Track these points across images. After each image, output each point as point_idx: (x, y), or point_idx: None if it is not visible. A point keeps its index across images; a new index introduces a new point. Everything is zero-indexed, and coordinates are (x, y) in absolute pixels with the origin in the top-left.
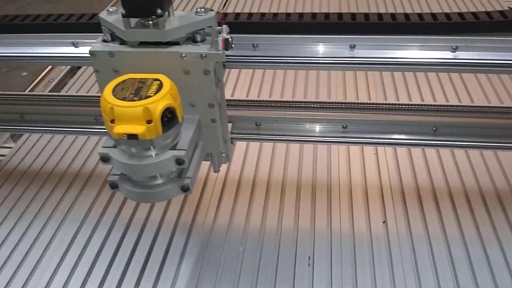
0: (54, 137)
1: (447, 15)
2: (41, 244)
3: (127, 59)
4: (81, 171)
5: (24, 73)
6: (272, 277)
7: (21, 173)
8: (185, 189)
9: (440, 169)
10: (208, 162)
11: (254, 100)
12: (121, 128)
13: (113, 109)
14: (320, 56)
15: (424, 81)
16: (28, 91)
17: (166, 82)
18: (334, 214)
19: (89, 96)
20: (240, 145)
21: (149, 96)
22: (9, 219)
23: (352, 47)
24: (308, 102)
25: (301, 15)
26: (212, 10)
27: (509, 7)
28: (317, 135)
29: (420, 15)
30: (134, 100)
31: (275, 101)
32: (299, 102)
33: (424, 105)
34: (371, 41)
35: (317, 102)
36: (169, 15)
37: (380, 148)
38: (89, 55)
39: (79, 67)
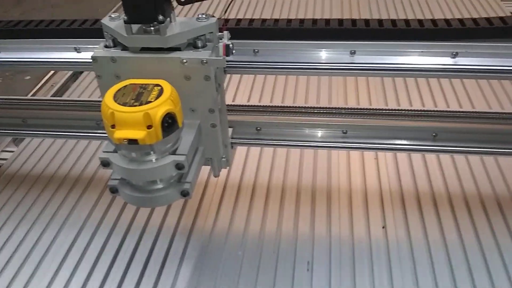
0: (55, 141)
1: (447, 21)
2: (41, 248)
3: (128, 65)
4: (81, 175)
5: (28, 77)
6: (271, 282)
7: (22, 177)
8: (185, 194)
9: (440, 174)
10: (208, 167)
11: (254, 105)
12: (121, 133)
13: (114, 114)
14: (321, 62)
15: (425, 86)
16: (31, 96)
17: (167, 87)
18: (334, 219)
19: (91, 101)
20: (240, 150)
21: (150, 102)
22: (10, 222)
23: (353, 53)
24: (308, 107)
25: (301, 21)
26: (214, 16)
27: (511, 13)
28: (318, 140)
29: (420, 21)
30: (135, 106)
31: (275, 106)
32: (299, 107)
33: (425, 110)
34: (372, 47)
35: (317, 108)
36: (170, 21)
37: (380, 154)
38: (91, 60)
39: (82, 72)
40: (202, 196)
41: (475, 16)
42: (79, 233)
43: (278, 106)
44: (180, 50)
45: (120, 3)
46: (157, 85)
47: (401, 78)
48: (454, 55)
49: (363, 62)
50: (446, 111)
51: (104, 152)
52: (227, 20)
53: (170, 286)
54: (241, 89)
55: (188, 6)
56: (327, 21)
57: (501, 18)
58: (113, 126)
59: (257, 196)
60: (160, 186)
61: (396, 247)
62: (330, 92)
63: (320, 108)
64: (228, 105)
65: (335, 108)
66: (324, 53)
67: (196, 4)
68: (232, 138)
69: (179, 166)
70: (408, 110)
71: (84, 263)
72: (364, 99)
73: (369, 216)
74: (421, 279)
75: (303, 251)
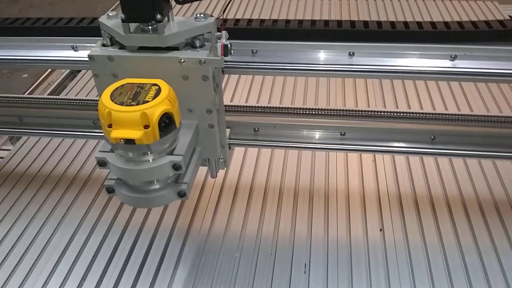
0: (52, 140)
1: (446, 23)
2: (37, 247)
3: (126, 64)
4: (78, 175)
5: (25, 75)
6: (268, 284)
7: (18, 176)
8: (182, 195)
9: (438, 177)
10: (206, 167)
11: (252, 106)
12: (118, 133)
13: (111, 113)
14: (319, 63)
15: (424, 89)
16: (28, 94)
17: (165, 87)
18: (331, 221)
19: (88, 100)
20: (238, 151)
21: (147, 101)
22: (5, 221)
23: (351, 54)
24: (306, 108)
25: (300, 22)
26: (212, 16)
27: (510, 16)
28: (316, 141)
29: (419, 24)
30: (132, 105)
31: (273, 107)
32: (297, 108)
33: (423, 113)
34: (370, 49)
35: (315, 109)
36: (168, 20)
37: (378, 156)
38: (88, 59)
39: (79, 70)
40: (199, 197)
41: (474, 19)
42: (76, 233)
43: (276, 107)
44: (178, 50)
45: (118, 1)
46: (155, 84)
47: (400, 80)
48: (453, 58)
49: (362, 63)
50: (445, 114)
51: (100, 151)
52: (225, 20)
53: (166, 287)
54: (239, 90)
55: (186, 5)
56: (326, 22)
57: (500, 22)
58: (110, 126)
59: (255, 198)
60: (157, 186)
61: (393, 249)
62: (328, 94)
63: (318, 109)
64: (226, 105)
65: (333, 109)
66: (323, 54)
67: (195, 3)
68: (229, 138)
69: (176, 167)
70: (406, 112)
71: (80, 263)
72: (363, 101)
73: (366, 218)
74: (418, 282)
75: (300, 253)
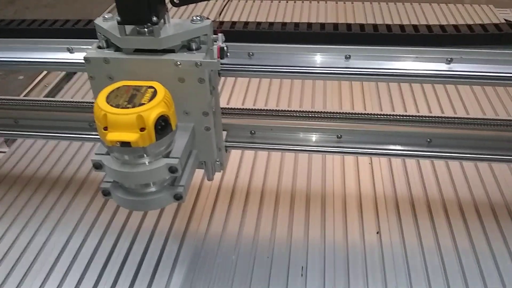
0: (48, 142)
1: (442, 27)
2: (33, 250)
3: (121, 66)
4: (74, 177)
5: (21, 77)
6: (265, 287)
7: (14, 178)
8: (178, 198)
9: (434, 180)
10: (202, 170)
11: (249, 109)
12: (114, 136)
13: (106, 116)
14: (315, 66)
15: (420, 92)
16: (23, 96)
17: (160, 89)
18: (328, 224)
19: (84, 102)
20: (234, 154)
21: (143, 104)
22: (1, 224)
23: (348, 57)
24: (303, 111)
25: (297, 24)
26: (208, 18)
27: (505, 19)
28: (312, 144)
29: (415, 27)
30: (128, 108)
31: (270, 110)
32: (294, 111)
33: (419, 116)
34: (366, 52)
35: (312, 112)
36: (164, 22)
37: (375, 159)
38: (84, 61)
39: (75, 73)
40: (196, 199)
41: (470, 22)
42: (71, 236)
43: (272, 110)
44: (174, 52)
45: (114, 3)
46: (151, 87)
47: (396, 83)
48: (449, 61)
49: (358, 66)
50: (441, 117)
51: (96, 154)
52: (221, 23)
53: None
54: (235, 92)
55: (183, 8)
56: (322, 25)
57: (495, 25)
58: (105, 128)
59: (251, 200)
60: (153, 189)
61: (390, 252)
62: (325, 96)
63: (314, 112)
64: (222, 108)
65: (330, 112)
66: (319, 57)
67: (191, 6)
68: (226, 141)
69: (172, 169)
70: (402, 115)
71: (76, 266)
72: (359, 103)
73: (363, 221)
74: (415, 284)
75: (297, 256)
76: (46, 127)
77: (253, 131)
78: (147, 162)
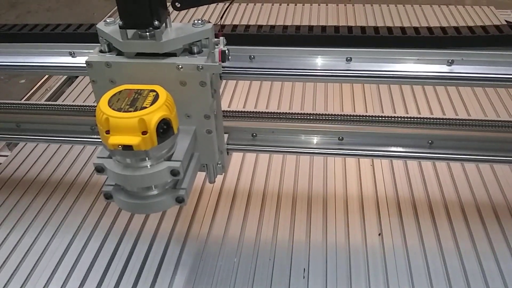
0: (49, 146)
1: (443, 29)
2: (35, 253)
3: (123, 70)
4: (76, 181)
5: (22, 81)
6: None
7: (16, 182)
8: (180, 200)
9: (436, 182)
10: (204, 173)
11: (250, 111)
12: (116, 139)
13: (109, 119)
14: (317, 68)
15: (421, 94)
16: (25, 100)
17: (162, 93)
18: (330, 226)
19: (85, 106)
20: (236, 156)
21: (145, 107)
22: (3, 228)
23: (349, 60)
24: (304, 113)
25: (298, 27)
26: (209, 22)
27: (506, 21)
28: (314, 146)
29: (416, 29)
30: (130, 111)
31: (271, 112)
32: (295, 113)
33: (421, 118)
34: (367, 54)
35: (313, 114)
36: (166, 26)
37: (376, 160)
38: (86, 65)
39: (77, 76)
40: (197, 202)
41: (471, 24)
42: (73, 239)
43: (274, 112)
44: (176, 56)
45: (116, 7)
46: (152, 90)
47: (397, 85)
48: (450, 63)
49: (359, 69)
50: (442, 119)
51: (98, 157)
52: (223, 26)
53: None
54: (236, 95)
55: (184, 11)
56: (323, 28)
57: (496, 27)
58: (107, 132)
59: (253, 203)
60: (155, 192)
61: (392, 254)
62: (326, 99)
63: (316, 114)
64: (223, 111)
65: (331, 114)
66: (320, 60)
67: (192, 9)
68: (227, 144)
69: (174, 172)
70: (404, 117)
71: (78, 269)
72: (360, 106)
73: (365, 223)
74: (417, 286)
75: (299, 258)
76: (48, 131)
77: (254, 134)
78: (149, 165)
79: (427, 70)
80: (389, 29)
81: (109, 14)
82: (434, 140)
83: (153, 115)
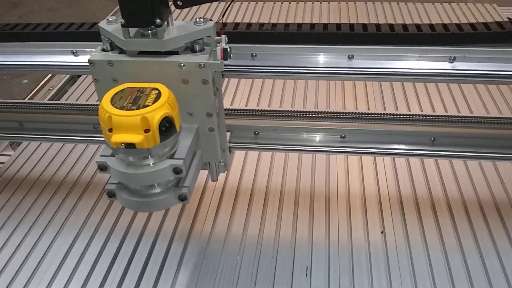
0: (52, 145)
1: (445, 26)
2: (38, 253)
3: (126, 68)
4: (79, 180)
5: (25, 81)
6: (270, 287)
7: (19, 181)
8: (183, 198)
9: (439, 179)
10: (206, 171)
11: (252, 109)
12: (118, 137)
13: (111, 118)
14: (319, 66)
15: (423, 91)
16: (28, 99)
17: (165, 91)
18: (332, 224)
19: (88, 105)
20: (238, 154)
21: (147, 105)
22: (6, 227)
23: (351, 57)
24: (306, 111)
25: (299, 25)
26: (211, 20)
27: (508, 18)
28: (316, 144)
29: (418, 26)
30: (132, 109)
31: (273, 110)
32: (297, 111)
33: (423, 115)
34: (369, 52)
35: (315, 112)
36: (168, 24)
37: (379, 158)
38: (88, 64)
39: (79, 75)
40: (200, 200)
41: (473, 21)
42: (77, 238)
43: (276, 110)
44: (178, 54)
45: (118, 6)
46: (155, 88)
47: (399, 82)
48: (452, 60)
49: (361, 66)
50: (444, 116)
51: (101, 156)
52: (225, 24)
53: None
54: (239, 93)
55: (186, 10)
56: (325, 26)
57: (498, 23)
58: (110, 130)
59: (255, 201)
60: (157, 190)
61: (394, 252)
62: (328, 96)
63: (318, 112)
64: (226, 109)
65: (333, 112)
66: (322, 58)
67: (194, 7)
68: (230, 142)
69: (176, 170)
70: (406, 114)
71: (81, 268)
72: (362, 103)
73: (367, 221)
74: (420, 284)
75: (301, 256)
76: (51, 130)
77: (256, 132)
78: (151, 163)
79: (429, 67)
80: (391, 26)
81: (111, 14)
82: (436, 137)
83: (155, 113)
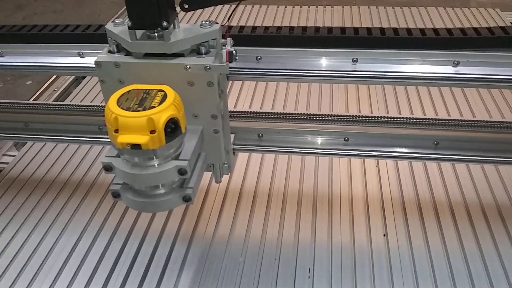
0: (57, 145)
1: (449, 30)
2: (42, 252)
3: (132, 70)
4: (83, 180)
5: (29, 82)
6: None
7: (23, 181)
8: (187, 199)
9: (441, 182)
10: (210, 173)
11: (256, 112)
12: (124, 138)
13: (117, 119)
14: (323, 69)
15: (426, 95)
16: (33, 100)
17: (170, 93)
18: (335, 226)
19: (93, 106)
20: (242, 156)
21: (153, 107)
22: (11, 226)
23: (355, 61)
24: (310, 114)
25: (304, 28)
26: (217, 23)
27: (511, 23)
28: (319, 147)
29: (422, 30)
30: (138, 111)
31: (277, 113)
32: (301, 114)
33: (426, 119)
34: (373, 55)
35: (319, 115)
36: (174, 27)
37: (382, 161)
38: (94, 65)
39: (84, 77)
40: (204, 202)
41: (476, 26)
42: (80, 238)
43: (279, 113)
44: (184, 56)
45: (124, 8)
46: (161, 90)
47: (403, 86)
48: (456, 64)
49: (365, 70)
50: (447, 120)
51: (106, 156)
52: (230, 27)
53: None
54: (242, 96)
55: (191, 12)
56: (330, 29)
57: (502, 28)
58: (116, 131)
59: (258, 203)
60: (162, 191)
61: (397, 255)
62: (331, 99)
63: (321, 115)
64: (230, 111)
65: (337, 115)
66: (326, 61)
67: (199, 11)
68: (234, 144)
69: (181, 171)
70: (409, 118)
71: (85, 268)
72: (366, 106)
73: (370, 223)
74: (422, 286)
75: (304, 258)
76: (55, 131)
77: (260, 134)
78: (156, 164)
79: (432, 71)
80: (395, 30)
81: (116, 15)
82: (439, 141)
83: (161, 114)
